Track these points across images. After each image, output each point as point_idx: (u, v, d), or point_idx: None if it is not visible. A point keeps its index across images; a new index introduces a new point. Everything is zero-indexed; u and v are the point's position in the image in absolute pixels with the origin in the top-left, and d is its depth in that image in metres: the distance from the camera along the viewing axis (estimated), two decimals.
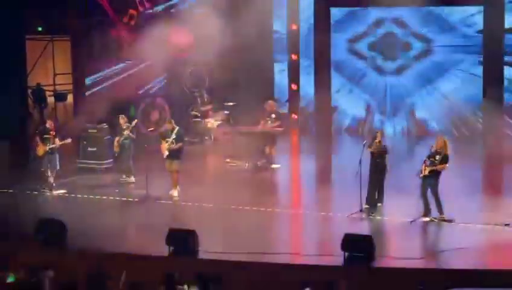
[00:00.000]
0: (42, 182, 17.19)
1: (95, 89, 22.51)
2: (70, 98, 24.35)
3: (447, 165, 14.25)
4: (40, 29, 23.22)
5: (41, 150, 17.10)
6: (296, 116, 24.98)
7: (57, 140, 17.09)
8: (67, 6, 22.08)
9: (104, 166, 19.13)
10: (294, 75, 25.15)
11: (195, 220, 14.04)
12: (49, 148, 17.02)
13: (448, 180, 14.73)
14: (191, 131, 22.64)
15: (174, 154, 16.46)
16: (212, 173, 18.96)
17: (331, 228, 14.34)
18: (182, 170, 16.77)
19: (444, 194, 14.36)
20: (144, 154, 17.09)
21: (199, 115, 23.48)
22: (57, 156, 17.20)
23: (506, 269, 11.29)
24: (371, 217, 14.65)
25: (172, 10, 23.26)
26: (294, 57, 25.03)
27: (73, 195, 16.95)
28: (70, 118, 23.16)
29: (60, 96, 24.78)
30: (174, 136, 16.45)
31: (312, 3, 24.58)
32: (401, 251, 12.48)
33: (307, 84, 24.93)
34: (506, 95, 23.21)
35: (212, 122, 22.94)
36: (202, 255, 12.44)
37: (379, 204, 15.12)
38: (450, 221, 14.08)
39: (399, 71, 24.22)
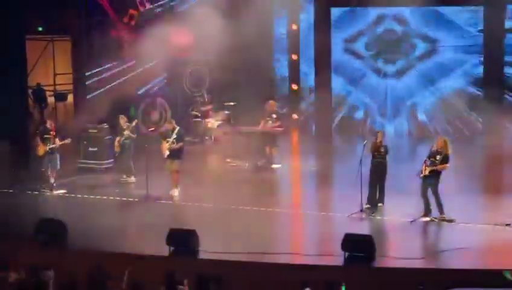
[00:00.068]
0: (42, 182, 17.20)
1: (95, 89, 22.52)
2: (70, 98, 24.37)
3: (448, 165, 14.26)
4: (40, 29, 23.26)
5: (41, 150, 17.12)
6: (296, 116, 24.99)
7: (57, 140, 17.10)
8: (68, 6, 22.11)
9: (105, 166, 19.14)
10: (294, 75, 25.15)
11: (196, 220, 14.03)
12: (49, 148, 17.02)
13: (448, 180, 14.73)
14: (191, 131, 22.64)
15: (175, 154, 16.47)
16: (212, 173, 18.94)
17: (331, 228, 14.35)
18: (182, 170, 16.78)
19: (444, 194, 14.36)
20: (144, 154, 17.09)
21: (199, 115, 23.47)
22: (57, 156, 17.21)
23: (506, 269, 11.28)
24: (371, 217, 14.65)
25: (172, 10, 23.26)
26: (294, 57, 25.03)
27: (73, 195, 16.96)
28: (71, 118, 23.16)
29: (60, 96, 24.81)
30: (174, 136, 16.48)
31: (312, 3, 24.58)
32: (401, 250, 12.48)
33: (307, 84, 24.96)
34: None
35: (212, 122, 22.94)
36: (202, 255, 12.44)
37: (380, 204, 15.12)
38: (450, 221, 14.08)
39: (400, 72, 24.21)
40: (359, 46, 24.40)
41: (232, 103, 23.54)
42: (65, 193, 17.08)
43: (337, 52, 24.55)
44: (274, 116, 19.39)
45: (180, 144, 16.52)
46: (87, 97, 22.39)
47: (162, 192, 16.50)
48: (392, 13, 23.94)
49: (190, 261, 12.29)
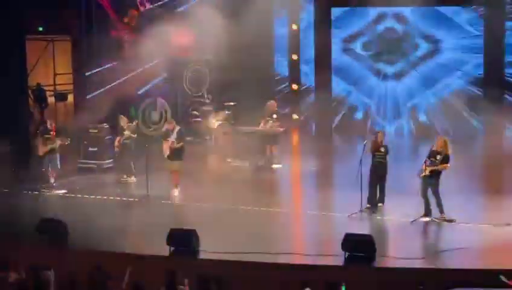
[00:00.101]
0: (42, 182, 17.20)
1: (95, 89, 22.50)
2: (70, 98, 24.36)
3: (448, 165, 14.25)
4: (40, 29, 23.24)
5: (41, 150, 17.12)
6: (296, 116, 24.99)
7: (57, 140, 17.10)
8: (68, 6, 22.09)
9: (105, 166, 19.14)
10: (294, 75, 25.16)
11: (196, 220, 14.03)
12: (50, 148, 17.02)
13: (448, 180, 14.73)
14: (192, 131, 22.63)
15: (176, 154, 16.49)
16: (212, 173, 18.94)
17: (331, 228, 14.34)
18: (183, 170, 16.79)
19: (444, 194, 14.36)
20: (144, 154, 17.09)
21: (199, 115, 23.48)
22: (58, 156, 17.22)
23: (506, 269, 11.28)
24: (372, 217, 14.65)
25: (172, 10, 23.25)
26: (294, 57, 25.04)
27: (73, 195, 16.96)
28: (71, 118, 23.16)
29: (60, 96, 24.81)
30: (175, 135, 16.50)
31: (312, 3, 24.58)
32: (401, 250, 12.48)
33: (307, 84, 24.97)
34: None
35: (212, 122, 22.93)
36: (202, 255, 12.44)
37: (380, 204, 15.12)
38: (450, 221, 14.08)
39: (400, 73, 24.21)
40: (359, 46, 24.41)
41: (232, 103, 23.53)
42: (65, 193, 17.08)
43: (337, 52, 24.56)
44: (275, 116, 19.41)
45: (181, 143, 16.54)
46: (87, 97, 22.38)
47: (162, 192, 16.50)
48: (393, 12, 23.94)
49: (190, 261, 12.29)
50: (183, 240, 12.62)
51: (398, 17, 24.00)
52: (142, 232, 14.18)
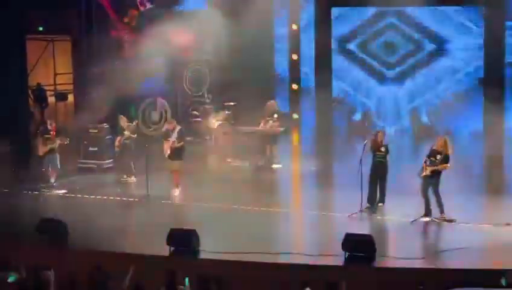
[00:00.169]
0: (42, 182, 17.20)
1: (95, 89, 22.49)
2: (70, 98, 24.37)
3: (449, 165, 14.25)
4: (40, 29, 23.26)
5: (41, 150, 17.11)
6: (296, 116, 24.99)
7: (57, 140, 17.10)
8: (68, 6, 22.10)
9: (105, 166, 19.14)
10: (294, 75, 25.15)
11: (196, 220, 14.04)
12: (50, 148, 17.02)
13: (448, 180, 14.73)
14: (192, 131, 22.63)
15: (176, 154, 16.50)
16: (213, 173, 18.94)
17: (331, 228, 14.33)
18: (183, 170, 16.79)
19: (444, 194, 14.36)
20: (144, 154, 17.09)
21: (199, 115, 23.48)
22: (58, 156, 17.21)
23: (506, 269, 11.28)
24: (372, 217, 14.65)
25: (173, 10, 23.25)
26: (294, 57, 25.04)
27: (73, 195, 16.95)
28: (71, 118, 23.16)
29: (60, 96, 24.85)
30: (175, 134, 16.51)
31: (312, 3, 24.58)
32: (401, 250, 12.48)
33: (307, 85, 24.96)
34: None
35: (212, 122, 22.93)
36: (203, 255, 12.45)
37: (380, 204, 15.12)
38: (450, 221, 14.08)
39: (400, 73, 24.22)
40: (359, 45, 24.40)
41: (232, 103, 23.54)
42: (65, 193, 17.08)
43: (337, 52, 24.55)
44: (275, 116, 19.41)
45: (182, 142, 16.56)
46: (88, 97, 22.38)
47: (163, 192, 16.50)
48: (394, 10, 23.93)
49: (190, 261, 12.29)
50: (183, 240, 12.62)
51: (399, 16, 23.99)
52: (142, 232, 14.17)
